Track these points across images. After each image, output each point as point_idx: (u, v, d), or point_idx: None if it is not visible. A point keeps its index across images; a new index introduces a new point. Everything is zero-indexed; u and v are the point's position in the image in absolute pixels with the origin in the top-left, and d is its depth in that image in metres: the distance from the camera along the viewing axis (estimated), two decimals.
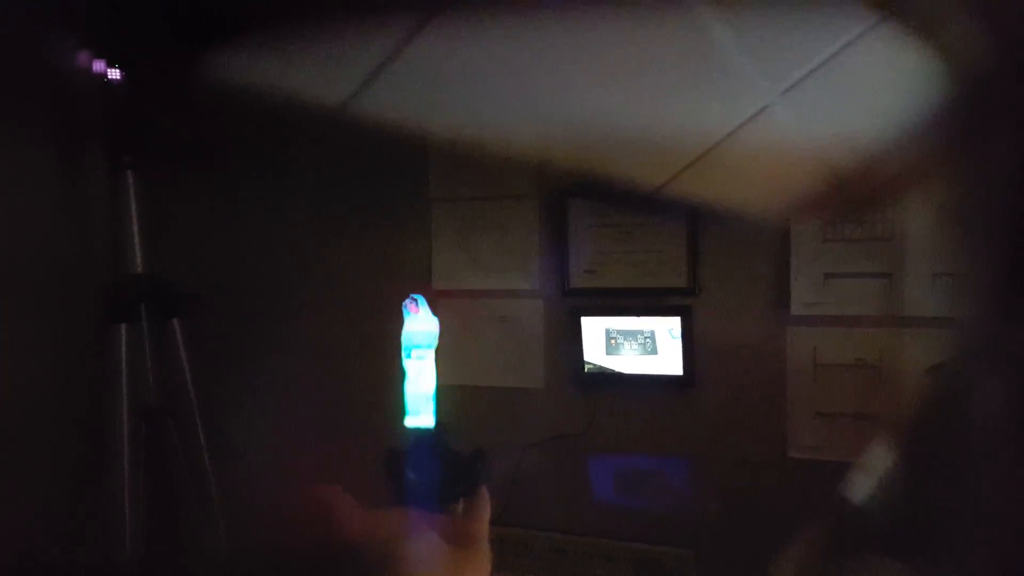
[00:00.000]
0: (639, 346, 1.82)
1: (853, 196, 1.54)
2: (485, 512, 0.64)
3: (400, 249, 1.98)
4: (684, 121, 1.59)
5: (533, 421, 1.90)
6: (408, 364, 0.65)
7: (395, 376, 0.65)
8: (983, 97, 0.54)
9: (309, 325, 2.00)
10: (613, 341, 1.83)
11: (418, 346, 0.65)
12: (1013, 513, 0.47)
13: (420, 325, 0.65)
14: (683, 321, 1.78)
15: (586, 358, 1.85)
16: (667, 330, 1.79)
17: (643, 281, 1.82)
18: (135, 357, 1.76)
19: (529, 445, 1.88)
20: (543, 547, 1.87)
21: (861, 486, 0.57)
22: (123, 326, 1.74)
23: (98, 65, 1.71)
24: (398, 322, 0.65)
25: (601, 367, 1.85)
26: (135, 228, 1.79)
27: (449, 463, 0.65)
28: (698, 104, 1.57)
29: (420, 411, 0.65)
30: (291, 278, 2.02)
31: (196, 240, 2.02)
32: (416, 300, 0.66)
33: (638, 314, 1.81)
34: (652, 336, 1.81)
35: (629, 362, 1.82)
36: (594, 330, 1.84)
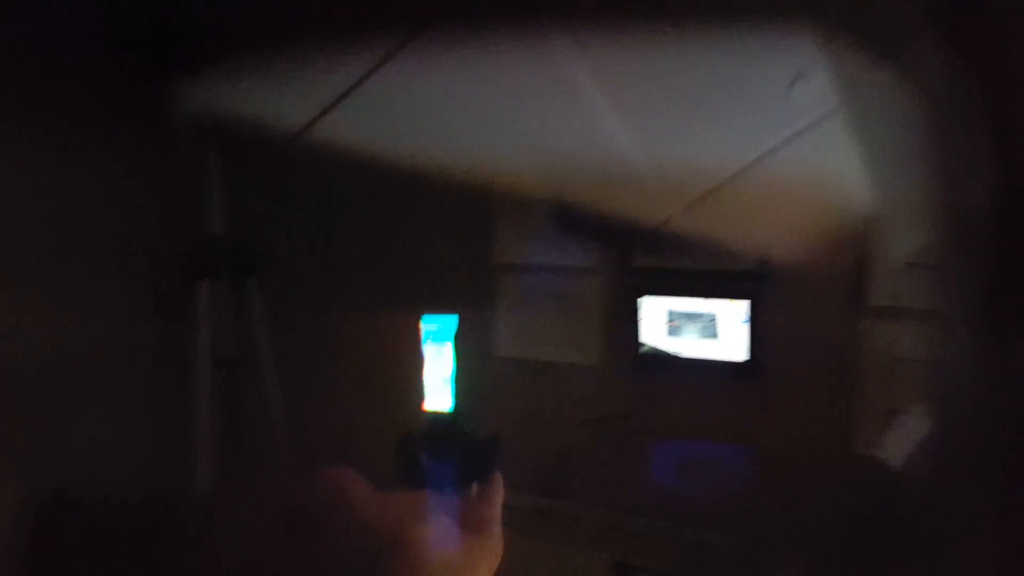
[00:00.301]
0: (700, 329, 1.76)
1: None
2: (498, 497, 0.63)
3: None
4: (690, 155, 1.54)
5: (587, 398, 1.88)
6: (427, 348, 0.66)
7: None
8: (953, 127, 0.50)
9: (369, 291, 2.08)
10: (674, 323, 1.78)
11: (437, 333, 0.66)
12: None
13: (438, 317, 0.67)
14: (752, 306, 1.70)
15: (645, 339, 1.81)
16: (732, 314, 1.72)
17: (710, 263, 1.75)
18: (216, 311, 1.90)
19: (581, 421, 1.87)
20: (590, 523, 1.87)
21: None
22: (206, 283, 1.87)
23: None
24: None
25: (659, 349, 1.80)
26: (218, 193, 1.91)
27: (464, 447, 0.65)
28: (705, 139, 1.51)
29: (438, 395, 0.66)
30: (355, 252, 2.09)
31: (275, 205, 2.12)
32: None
33: (704, 296, 1.75)
34: (714, 320, 1.74)
35: (689, 345, 1.76)
36: (655, 311, 1.79)
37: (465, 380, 0.66)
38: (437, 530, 0.58)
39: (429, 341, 0.66)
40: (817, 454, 1.66)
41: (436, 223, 1.98)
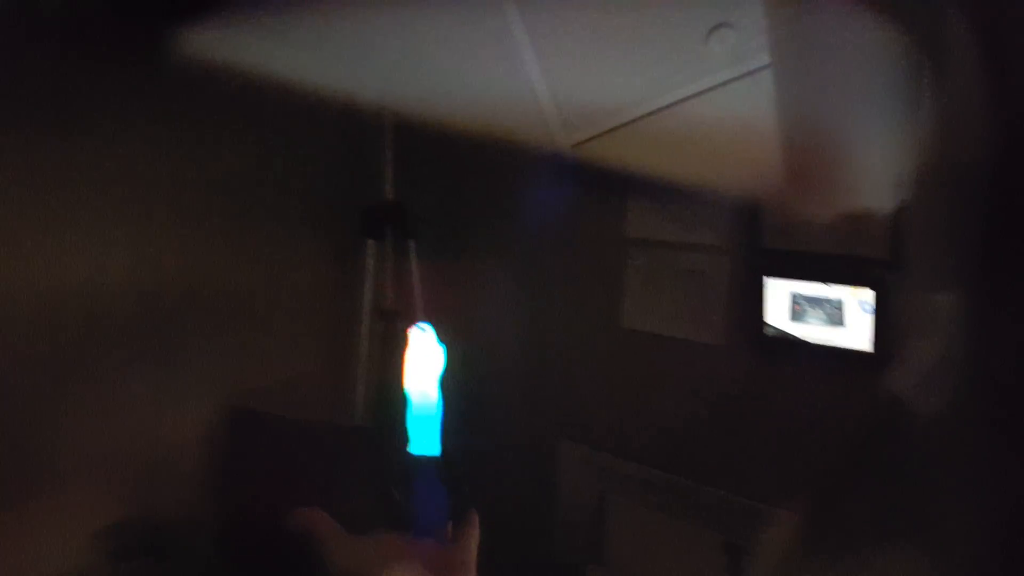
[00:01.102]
0: (825, 316, 1.73)
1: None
2: (473, 540, 0.62)
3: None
4: (595, 95, 1.54)
5: (708, 376, 1.92)
6: (411, 391, 0.64)
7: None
8: (948, 79, 0.53)
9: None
10: (798, 307, 1.77)
11: (420, 380, 0.65)
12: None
13: (424, 355, 0.65)
14: (877, 295, 1.65)
15: (769, 321, 1.82)
16: (858, 302, 1.68)
17: (838, 247, 1.72)
18: (379, 267, 2.17)
19: (695, 397, 1.92)
20: (703, 501, 1.91)
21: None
22: (372, 242, 2.15)
23: None
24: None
25: (783, 332, 1.80)
26: (388, 163, 2.17)
27: (442, 490, 0.64)
28: (614, 83, 1.50)
29: (423, 438, 0.65)
30: (502, 225, 2.26)
31: (436, 175, 2.35)
32: (422, 329, 0.67)
33: (827, 280, 1.72)
34: (840, 306, 1.71)
35: (813, 331, 1.75)
36: (779, 293, 1.79)
37: (451, 421, 0.64)
38: (409, 574, 0.57)
39: (415, 385, 0.64)
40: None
41: (568, 197, 2.11)
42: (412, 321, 2.29)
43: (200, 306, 2.02)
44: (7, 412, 1.75)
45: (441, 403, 0.65)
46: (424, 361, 0.65)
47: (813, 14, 1.18)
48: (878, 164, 1.23)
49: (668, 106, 1.52)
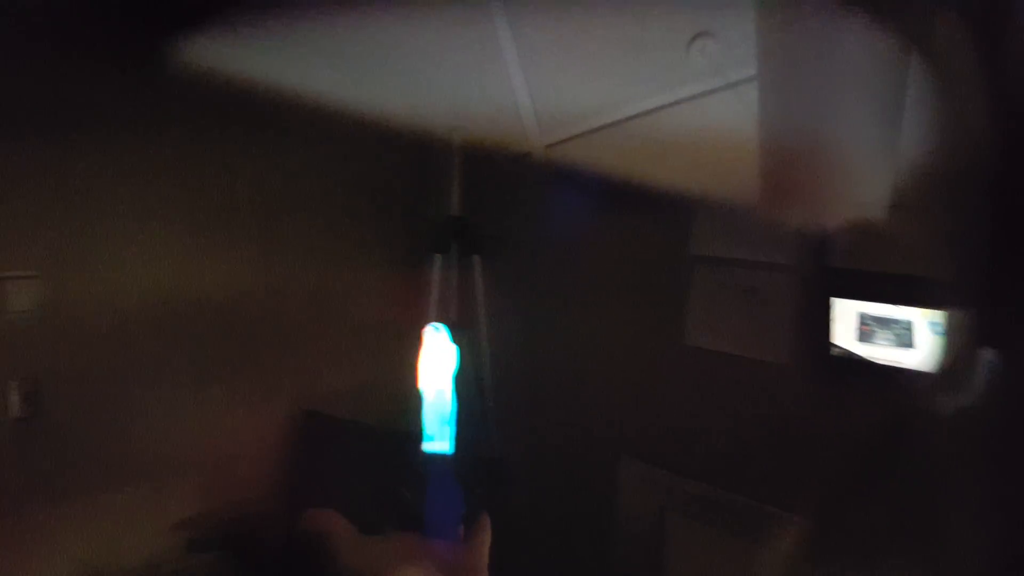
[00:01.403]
0: (894, 336, 1.70)
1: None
2: (485, 540, 0.62)
3: None
4: (573, 100, 1.56)
5: (772, 396, 1.90)
6: (425, 390, 0.65)
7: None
8: (949, 87, 0.54)
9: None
10: (865, 328, 1.74)
11: (433, 380, 0.66)
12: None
13: (437, 355, 0.66)
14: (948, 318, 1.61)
15: (836, 341, 1.79)
16: (928, 323, 1.64)
17: (906, 267, 1.68)
18: (444, 281, 2.22)
19: (758, 416, 1.89)
20: (758, 519, 1.88)
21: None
22: (438, 256, 2.20)
23: None
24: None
25: (851, 352, 1.76)
26: (457, 182, 2.22)
27: (457, 489, 0.64)
28: (592, 89, 1.51)
29: (437, 437, 0.65)
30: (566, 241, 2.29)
31: (503, 193, 2.40)
32: (436, 330, 0.68)
33: (897, 302, 1.69)
34: (909, 327, 1.67)
35: (881, 352, 1.71)
36: (846, 313, 1.77)
37: (464, 423, 0.64)
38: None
39: (429, 384, 0.64)
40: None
41: (636, 217, 2.12)
42: (476, 334, 2.33)
43: (274, 317, 2.12)
44: (100, 414, 1.88)
45: (455, 402, 0.65)
46: (438, 360, 0.66)
47: (802, 24, 1.18)
48: (869, 173, 1.22)
49: (643, 113, 1.54)
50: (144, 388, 1.93)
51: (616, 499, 2.21)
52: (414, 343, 2.28)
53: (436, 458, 0.64)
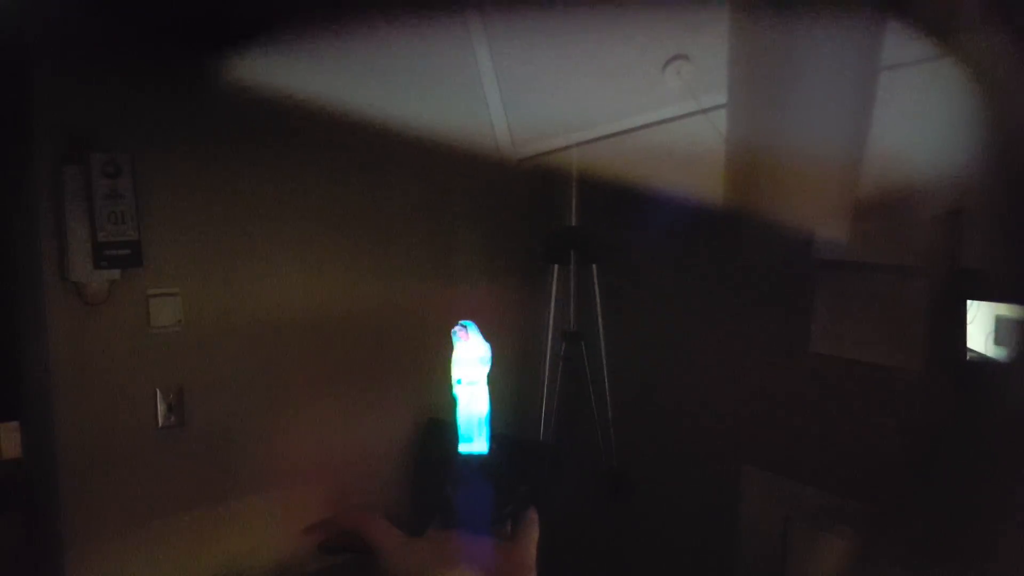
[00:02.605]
0: None
1: None
2: (533, 537, 0.61)
3: None
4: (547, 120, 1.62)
5: (903, 404, 1.82)
6: (459, 391, 0.65)
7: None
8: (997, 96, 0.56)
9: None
10: (1003, 331, 1.63)
11: (467, 378, 0.65)
12: None
13: (469, 353, 0.66)
14: None
15: (971, 346, 1.69)
16: None
17: None
18: (563, 291, 2.28)
19: (887, 424, 1.82)
20: (878, 525, 1.80)
21: None
22: (556, 267, 2.27)
23: None
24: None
25: (987, 357, 1.66)
26: (573, 190, 2.28)
27: (497, 489, 0.63)
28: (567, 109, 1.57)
29: (473, 437, 0.64)
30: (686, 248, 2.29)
31: (620, 202, 2.43)
32: (466, 327, 0.66)
33: None
34: None
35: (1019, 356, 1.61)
36: (982, 316, 1.67)
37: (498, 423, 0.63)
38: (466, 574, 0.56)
39: (462, 383, 0.64)
40: None
41: (756, 222, 2.09)
42: (594, 342, 2.37)
43: (397, 328, 2.26)
44: (238, 423, 2.07)
45: (489, 402, 0.64)
46: (470, 359, 0.65)
47: (771, 47, 1.19)
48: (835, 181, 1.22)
49: (616, 134, 1.59)
50: (278, 397, 2.11)
51: (740, 510, 2.17)
52: (534, 354, 2.37)
53: (473, 459, 0.64)
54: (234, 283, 2.06)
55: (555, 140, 1.82)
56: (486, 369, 0.65)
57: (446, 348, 0.65)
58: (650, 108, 1.54)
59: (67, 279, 1.85)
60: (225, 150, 2.01)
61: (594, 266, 2.27)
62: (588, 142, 1.72)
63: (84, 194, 1.85)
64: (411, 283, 2.29)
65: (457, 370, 0.65)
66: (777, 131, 1.33)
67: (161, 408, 1.98)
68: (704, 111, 1.42)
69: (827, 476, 1.95)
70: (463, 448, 0.64)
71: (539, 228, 2.37)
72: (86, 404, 1.89)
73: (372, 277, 2.26)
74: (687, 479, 2.29)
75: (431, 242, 2.35)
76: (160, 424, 1.98)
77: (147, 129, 1.91)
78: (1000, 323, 1.64)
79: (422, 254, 2.33)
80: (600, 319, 2.27)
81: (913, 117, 1.35)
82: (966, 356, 1.71)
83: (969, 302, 1.69)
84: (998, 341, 1.65)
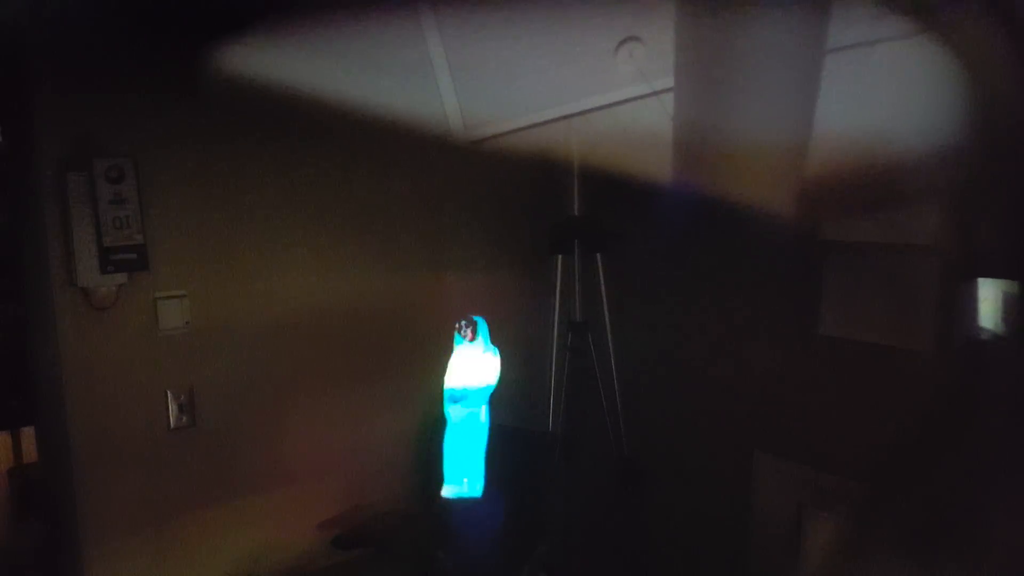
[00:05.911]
0: None
1: None
2: None
3: None
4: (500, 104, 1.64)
5: (913, 385, 1.78)
6: (452, 412, 0.51)
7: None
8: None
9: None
10: (1009, 308, 1.60)
11: (465, 397, 0.53)
12: None
13: (472, 366, 0.54)
14: None
15: (983, 325, 1.65)
16: None
17: None
18: (567, 281, 2.27)
19: (899, 407, 1.78)
20: (890, 509, 1.77)
21: None
22: (560, 257, 2.25)
23: None
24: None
25: (1000, 336, 1.63)
26: (575, 179, 2.26)
27: (504, 544, 0.54)
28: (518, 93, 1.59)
29: (462, 477, 0.53)
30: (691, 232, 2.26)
31: (618, 190, 2.40)
32: (474, 324, 0.54)
33: None
34: None
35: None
36: (993, 294, 1.63)
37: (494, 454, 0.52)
38: None
39: (458, 404, 0.55)
40: None
41: (763, 206, 2.06)
42: (601, 332, 2.35)
43: (406, 323, 2.26)
44: (248, 421, 2.09)
45: (488, 431, 0.51)
46: (472, 375, 0.53)
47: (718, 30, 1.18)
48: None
49: (566, 116, 1.61)
50: (288, 395, 2.13)
51: (752, 496, 2.15)
52: (540, 344, 2.35)
53: (466, 507, 0.53)
54: (240, 283, 2.08)
55: (507, 123, 1.82)
56: (490, 391, 0.54)
57: (451, 343, 0.57)
58: (603, 90, 1.54)
59: (75, 285, 1.88)
60: (226, 150, 2.03)
61: (599, 255, 2.25)
62: (540, 124, 1.71)
63: (89, 200, 1.87)
64: (416, 278, 2.30)
65: (453, 379, 0.55)
66: (725, 112, 1.31)
67: (172, 409, 2.00)
68: (656, 93, 1.40)
69: (840, 461, 1.92)
70: (448, 491, 0.54)
71: (542, 218, 2.36)
72: (99, 407, 1.92)
73: (377, 271, 2.26)
74: (698, 466, 2.27)
75: (435, 237, 2.35)
76: (172, 425, 2.00)
77: (148, 133, 1.93)
78: (1007, 300, 1.60)
79: (425, 249, 2.33)
80: (606, 308, 2.25)
81: (905, 93, 1.33)
82: (978, 335, 1.67)
83: (980, 280, 1.66)
84: (1006, 319, 1.61)
